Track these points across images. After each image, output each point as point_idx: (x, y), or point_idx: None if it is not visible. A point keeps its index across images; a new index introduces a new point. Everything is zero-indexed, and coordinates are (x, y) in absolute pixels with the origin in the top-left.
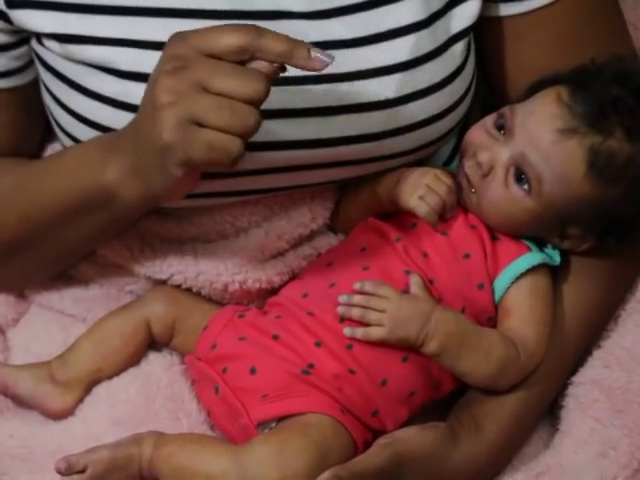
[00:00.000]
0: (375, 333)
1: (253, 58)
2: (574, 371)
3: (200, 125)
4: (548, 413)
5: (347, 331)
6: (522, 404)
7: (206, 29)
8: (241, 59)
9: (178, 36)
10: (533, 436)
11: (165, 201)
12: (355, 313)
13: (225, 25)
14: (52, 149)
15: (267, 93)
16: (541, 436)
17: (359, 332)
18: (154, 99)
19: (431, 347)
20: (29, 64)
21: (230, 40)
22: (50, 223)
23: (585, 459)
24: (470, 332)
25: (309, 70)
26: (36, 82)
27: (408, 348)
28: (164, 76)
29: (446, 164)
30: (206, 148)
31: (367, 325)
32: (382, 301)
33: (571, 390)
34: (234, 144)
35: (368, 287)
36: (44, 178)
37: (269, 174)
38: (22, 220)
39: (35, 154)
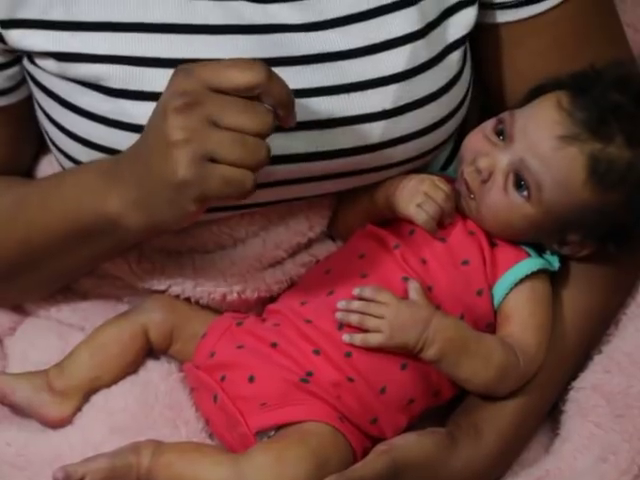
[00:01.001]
0: (374, 339)
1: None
2: (575, 376)
3: (213, 161)
4: (549, 418)
5: (346, 337)
6: (522, 409)
7: (214, 64)
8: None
9: (185, 70)
10: (533, 441)
11: (170, 230)
12: (354, 319)
13: (235, 61)
14: (48, 161)
15: (273, 126)
16: (541, 441)
17: (358, 338)
18: (166, 136)
19: (430, 353)
20: (21, 83)
21: (241, 80)
22: (51, 247)
23: (585, 464)
24: (469, 338)
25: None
26: (29, 100)
27: (407, 355)
28: (174, 113)
29: (443, 169)
30: (222, 183)
31: (366, 331)
32: (381, 307)
33: (572, 395)
34: (248, 177)
35: (367, 293)
36: (44, 204)
37: (266, 188)
38: (22, 244)
39: (29, 170)
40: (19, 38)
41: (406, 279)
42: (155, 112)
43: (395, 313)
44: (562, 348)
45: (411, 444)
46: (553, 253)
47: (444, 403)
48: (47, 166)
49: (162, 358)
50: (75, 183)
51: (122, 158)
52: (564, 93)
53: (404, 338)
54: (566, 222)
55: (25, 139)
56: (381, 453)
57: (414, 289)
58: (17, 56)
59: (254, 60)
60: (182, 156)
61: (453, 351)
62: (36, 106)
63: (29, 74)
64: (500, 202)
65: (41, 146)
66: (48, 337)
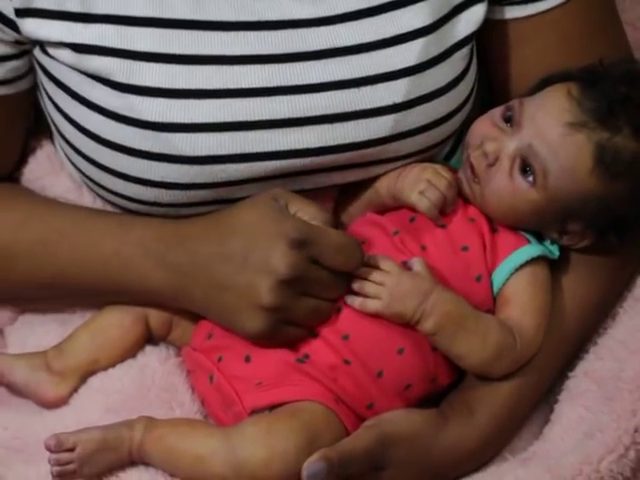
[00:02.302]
0: (372, 305)
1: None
2: (571, 367)
3: (288, 323)
4: (543, 407)
5: (347, 299)
6: (516, 392)
7: (326, 241)
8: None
9: (302, 239)
10: (525, 429)
11: None
12: (354, 284)
13: (344, 244)
14: (46, 155)
15: None
16: (533, 430)
17: (357, 301)
18: (259, 295)
19: (427, 325)
20: (22, 76)
21: (344, 267)
22: (77, 295)
23: (572, 444)
24: (468, 314)
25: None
26: (24, 94)
27: (405, 338)
28: (277, 282)
29: (446, 159)
30: (286, 339)
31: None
32: (383, 275)
33: (565, 384)
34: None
35: (371, 260)
36: (78, 261)
37: (275, 180)
38: (46, 288)
39: (12, 171)
40: (34, 27)
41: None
42: (261, 258)
43: (396, 282)
44: (559, 334)
45: (400, 419)
46: (553, 242)
47: (441, 390)
48: (45, 160)
49: (161, 344)
50: (115, 253)
51: (172, 243)
52: (574, 84)
53: (402, 307)
54: (569, 210)
55: (11, 135)
56: (370, 427)
57: (418, 262)
58: (25, 49)
59: (357, 245)
60: (265, 320)
61: (450, 325)
62: (46, 99)
63: (40, 65)
64: (505, 187)
65: (39, 141)
66: (48, 323)
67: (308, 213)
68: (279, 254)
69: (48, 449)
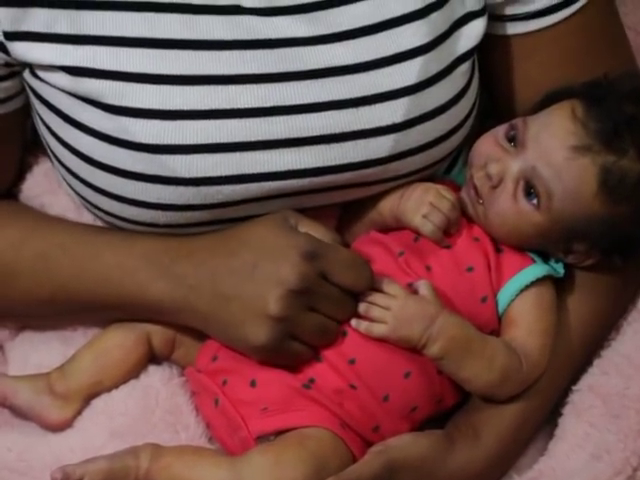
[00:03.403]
0: (377, 329)
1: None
2: (574, 380)
3: (294, 338)
4: (547, 423)
5: (353, 322)
6: (522, 414)
7: (337, 257)
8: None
9: (313, 251)
10: (531, 449)
11: None
12: (360, 307)
13: (353, 261)
14: (43, 172)
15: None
16: (537, 446)
17: (363, 325)
18: (266, 302)
19: (434, 350)
20: (14, 96)
21: (352, 287)
22: (78, 310)
23: (578, 463)
24: (474, 338)
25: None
26: (18, 112)
27: (411, 363)
28: (287, 291)
29: (446, 173)
30: (291, 357)
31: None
32: (389, 299)
33: (569, 397)
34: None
35: (377, 284)
36: (78, 275)
37: (272, 200)
38: (46, 303)
39: (10, 188)
40: (24, 50)
41: (411, 285)
42: (272, 262)
43: (401, 306)
44: (564, 354)
45: (407, 444)
46: (558, 261)
47: (447, 410)
48: (42, 178)
49: (164, 363)
50: (117, 265)
51: (175, 252)
52: (578, 102)
53: (408, 332)
54: (573, 232)
55: (9, 150)
56: (377, 453)
57: (424, 286)
58: (15, 70)
59: (367, 265)
60: (272, 330)
61: (457, 350)
62: (38, 120)
63: (30, 88)
64: (509, 209)
65: (35, 157)
66: (50, 341)
67: (318, 233)
68: (289, 264)
69: None
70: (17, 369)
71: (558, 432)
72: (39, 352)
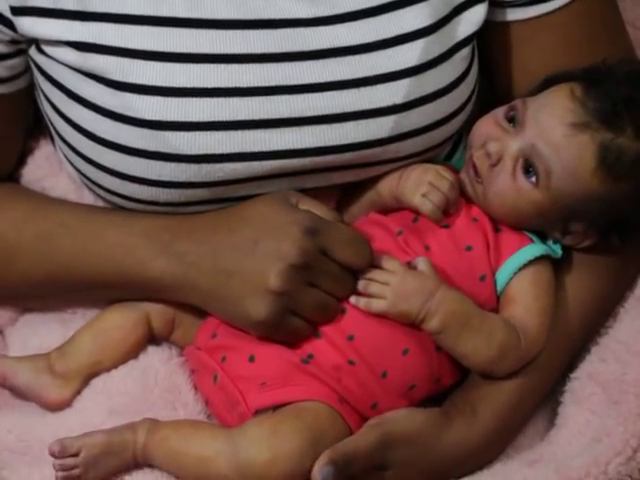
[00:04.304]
0: (377, 304)
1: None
2: (572, 367)
3: (294, 313)
4: (547, 408)
5: (352, 299)
6: (519, 391)
7: (337, 233)
8: None
9: (313, 227)
10: (529, 427)
11: None
12: (359, 284)
13: (353, 238)
14: (45, 156)
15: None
16: (538, 428)
17: (362, 301)
18: (266, 276)
19: (432, 324)
20: (18, 76)
21: (353, 261)
22: (78, 288)
23: (579, 448)
24: (473, 313)
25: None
26: (22, 93)
27: (409, 339)
28: (288, 266)
29: (446, 159)
30: (291, 332)
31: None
32: (387, 274)
33: (568, 385)
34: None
35: (375, 260)
36: (79, 253)
37: (273, 179)
38: (47, 281)
39: (12, 171)
40: (31, 25)
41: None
42: (274, 239)
43: (400, 281)
44: (562, 332)
45: (403, 418)
46: (556, 242)
47: (445, 390)
48: (43, 162)
49: (163, 344)
50: (119, 243)
51: (176, 230)
52: (577, 84)
53: (407, 306)
54: (572, 211)
55: (11, 134)
56: (373, 426)
57: (422, 262)
58: (21, 48)
59: (367, 242)
60: (272, 304)
61: (455, 324)
62: (42, 98)
63: (35, 64)
64: (508, 187)
65: (36, 141)
66: (50, 324)
67: (319, 211)
68: (291, 240)
69: (52, 454)
70: (17, 352)
71: (559, 420)
72: (39, 335)
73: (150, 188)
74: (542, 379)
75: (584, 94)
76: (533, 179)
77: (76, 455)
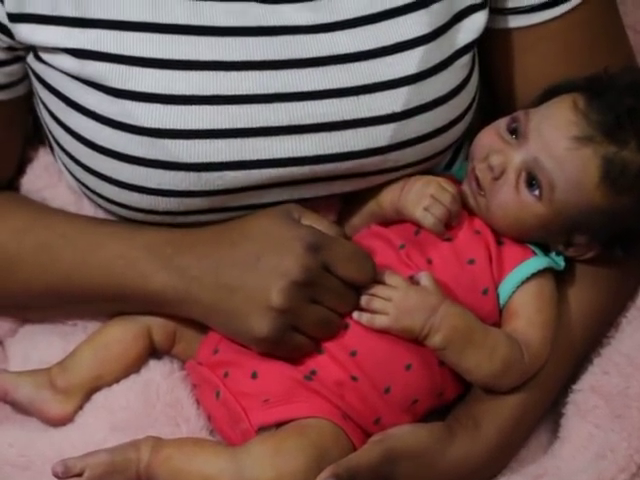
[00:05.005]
0: (379, 320)
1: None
2: (574, 378)
3: (297, 330)
4: (549, 420)
5: (355, 315)
6: (522, 405)
7: (339, 249)
8: None
9: (315, 244)
10: (532, 441)
11: None
12: (362, 299)
13: (355, 253)
14: (43, 166)
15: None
16: (540, 441)
17: (365, 317)
18: (268, 293)
19: (435, 340)
20: (17, 82)
21: (355, 277)
22: (79, 301)
23: (583, 463)
24: (476, 329)
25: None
26: (20, 100)
27: (412, 355)
28: (290, 283)
29: (447, 168)
30: (293, 349)
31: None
32: (390, 290)
33: (571, 397)
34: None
35: (378, 276)
36: (80, 265)
37: (273, 188)
38: (48, 292)
39: (11, 180)
40: (28, 33)
41: (412, 278)
42: (277, 253)
43: (403, 296)
44: (565, 345)
45: (406, 434)
46: (558, 254)
47: (448, 403)
48: (42, 172)
49: (164, 357)
50: (120, 256)
51: (179, 244)
52: (580, 95)
53: (410, 322)
54: (575, 223)
55: (9, 141)
56: (376, 442)
57: (425, 277)
58: (19, 55)
59: (369, 258)
60: (274, 321)
61: (458, 340)
62: (40, 106)
63: (34, 72)
64: (511, 200)
65: (35, 151)
66: (50, 337)
67: (321, 226)
68: (293, 256)
69: (56, 475)
70: (17, 366)
71: (562, 434)
72: (39, 348)
73: (149, 197)
74: (545, 392)
75: (587, 106)
76: (536, 192)
77: (80, 475)
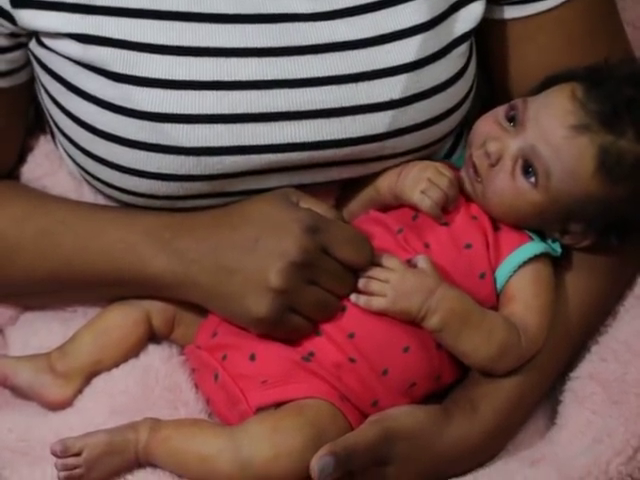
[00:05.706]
0: (377, 303)
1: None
2: (572, 366)
3: (294, 311)
4: (547, 407)
5: (352, 297)
6: (519, 389)
7: (337, 231)
8: None
9: (314, 226)
10: (530, 425)
11: None
12: (360, 282)
13: (354, 236)
14: (44, 154)
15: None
16: (538, 427)
17: (362, 299)
18: (267, 274)
19: (432, 322)
20: (19, 69)
21: (353, 260)
22: (80, 285)
23: (581, 448)
24: (473, 311)
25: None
26: (22, 87)
27: (410, 337)
28: (289, 264)
29: (447, 157)
30: (291, 330)
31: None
32: (387, 272)
33: (568, 385)
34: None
35: (376, 258)
36: (80, 250)
37: (271, 173)
38: (49, 277)
39: (12, 169)
40: (31, 18)
41: (410, 262)
42: (275, 234)
43: (400, 279)
44: (562, 331)
45: (404, 415)
46: (555, 241)
47: (445, 388)
48: (43, 160)
49: (163, 342)
50: (119, 240)
51: (177, 228)
52: (578, 84)
53: (407, 304)
54: (570, 211)
55: (11, 128)
56: (374, 422)
57: (422, 260)
58: (21, 41)
59: (367, 241)
60: (273, 302)
61: (455, 322)
62: (42, 90)
63: (35, 57)
64: (507, 187)
65: (36, 139)
66: (50, 324)
67: (319, 209)
68: (291, 238)
69: (54, 454)
70: (17, 352)
71: (560, 420)
72: (39, 335)
73: (149, 181)
74: (542, 377)
75: (585, 95)
76: (532, 179)
77: (78, 455)
